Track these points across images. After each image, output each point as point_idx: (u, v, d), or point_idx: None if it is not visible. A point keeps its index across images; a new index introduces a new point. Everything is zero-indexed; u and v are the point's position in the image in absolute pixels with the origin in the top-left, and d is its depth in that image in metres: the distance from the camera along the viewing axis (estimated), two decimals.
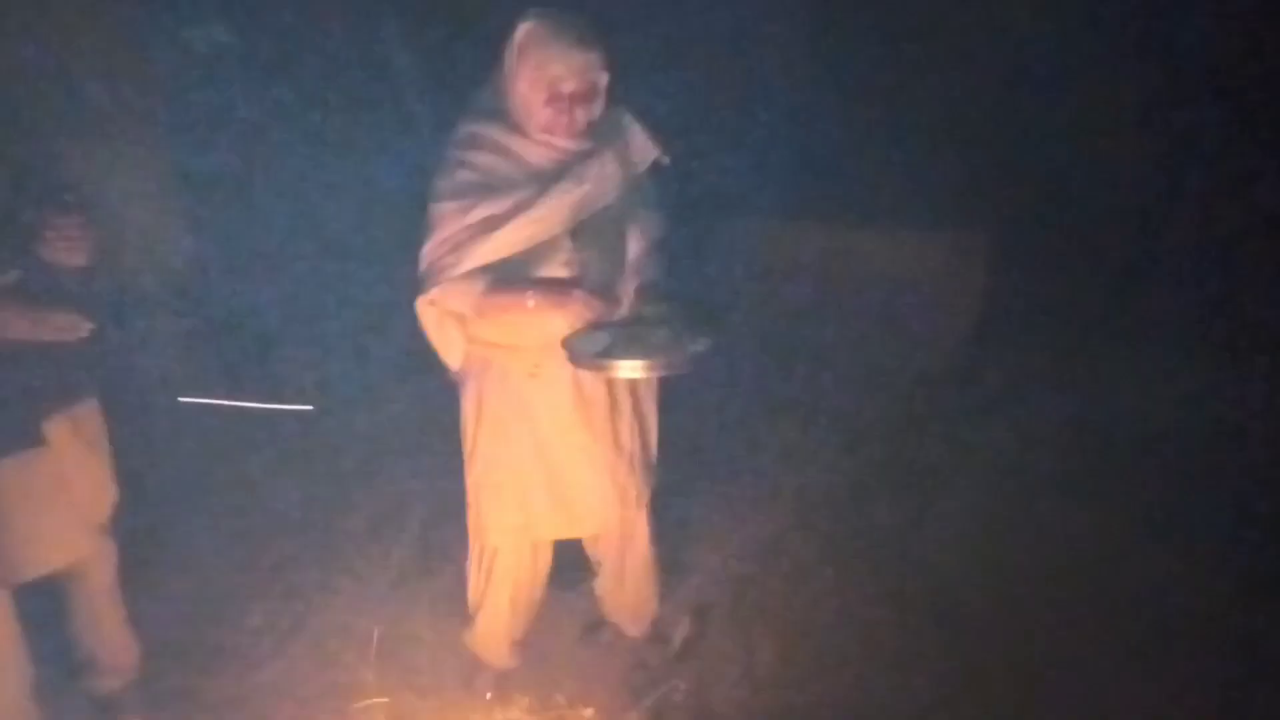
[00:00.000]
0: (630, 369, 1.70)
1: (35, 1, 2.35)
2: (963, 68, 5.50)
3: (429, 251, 1.77)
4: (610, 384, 1.94)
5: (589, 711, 1.97)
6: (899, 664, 2.32)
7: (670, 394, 2.14)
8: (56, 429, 1.70)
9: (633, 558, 2.22)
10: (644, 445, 2.09)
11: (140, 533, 2.21)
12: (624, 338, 1.71)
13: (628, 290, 1.90)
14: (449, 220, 1.73)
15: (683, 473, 3.40)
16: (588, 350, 1.71)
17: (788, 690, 2.23)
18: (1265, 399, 3.74)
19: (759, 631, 2.47)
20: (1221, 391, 3.90)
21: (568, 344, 1.73)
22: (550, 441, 1.92)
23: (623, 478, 2.03)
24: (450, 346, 1.90)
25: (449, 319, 1.85)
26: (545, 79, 1.68)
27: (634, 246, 1.90)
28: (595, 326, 1.75)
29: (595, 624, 2.42)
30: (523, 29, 1.70)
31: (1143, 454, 3.47)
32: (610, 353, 1.69)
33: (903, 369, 4.45)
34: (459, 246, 1.72)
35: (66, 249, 1.60)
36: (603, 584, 2.27)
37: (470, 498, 2.01)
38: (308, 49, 4.17)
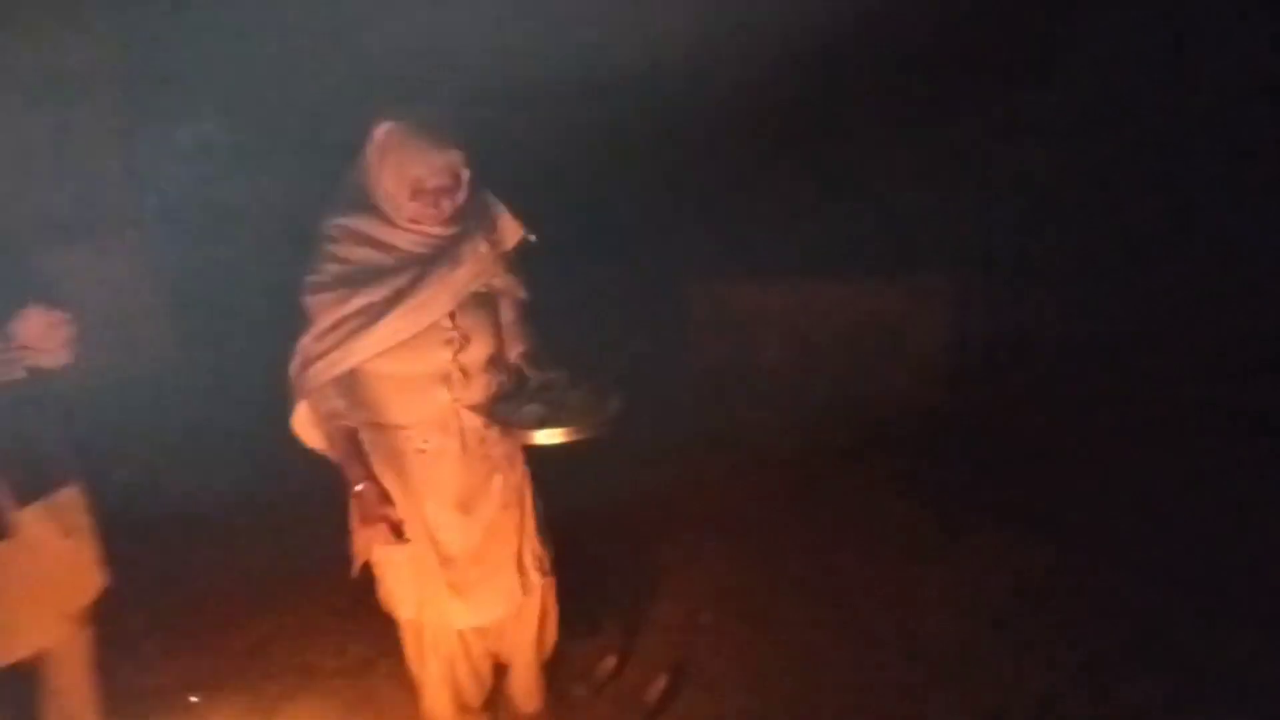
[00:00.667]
0: (554, 435, 1.74)
1: None
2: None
3: (308, 345, 1.77)
4: (490, 461, 1.95)
5: None
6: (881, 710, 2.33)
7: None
8: (31, 519, 1.73)
9: (522, 649, 2.22)
10: (534, 512, 2.11)
11: None
12: (542, 404, 1.76)
13: (510, 359, 1.98)
14: (328, 311, 1.75)
15: (644, 527, 3.46)
16: (509, 415, 1.75)
17: None
18: None
19: (731, 683, 2.49)
20: None
21: (491, 410, 1.78)
22: (436, 528, 1.94)
23: (516, 548, 2.05)
24: (313, 434, 1.92)
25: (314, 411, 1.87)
26: (408, 178, 1.71)
27: (507, 314, 1.99)
28: (507, 396, 1.80)
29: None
30: (382, 130, 1.72)
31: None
32: (532, 420, 1.74)
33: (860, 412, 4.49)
34: (341, 342, 1.74)
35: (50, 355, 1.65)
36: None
37: (377, 572, 2.02)
38: None
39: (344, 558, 3.12)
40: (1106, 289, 5.42)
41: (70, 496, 1.85)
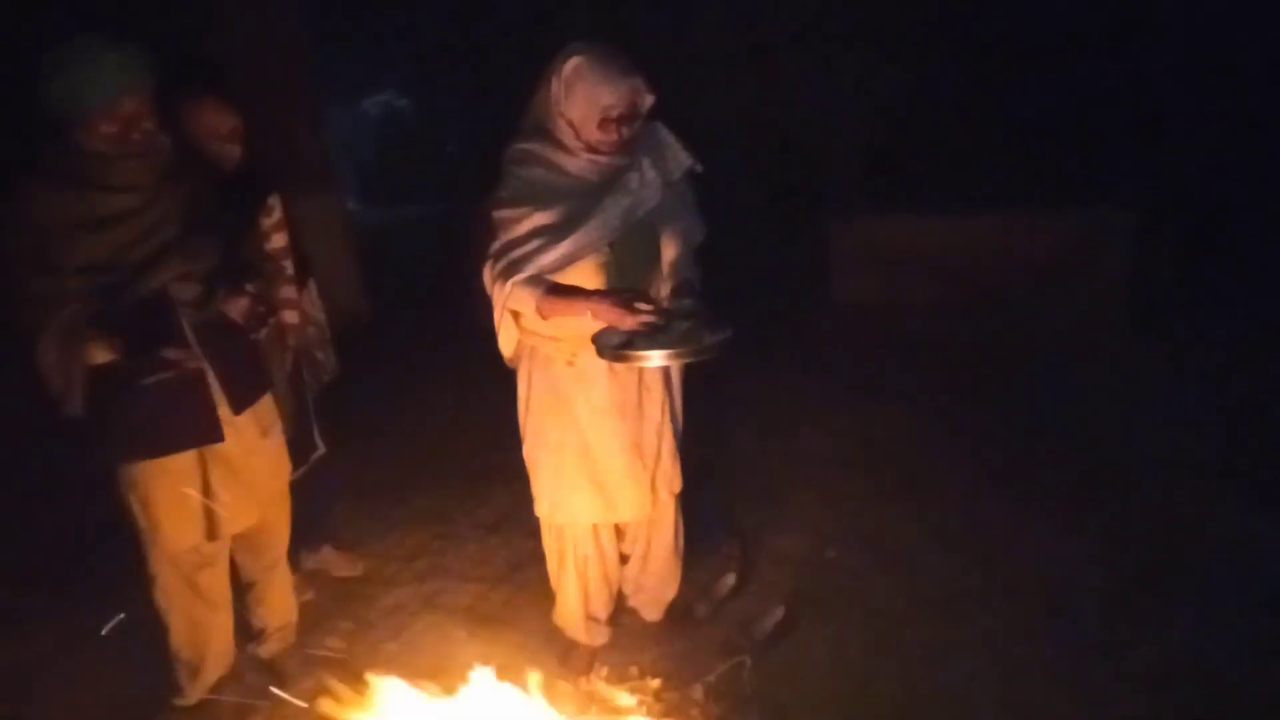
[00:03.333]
0: (650, 359, 1.80)
1: None
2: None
3: (496, 253, 1.97)
4: (641, 377, 2.08)
5: (657, 682, 2.06)
6: (1001, 664, 2.22)
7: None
8: (241, 423, 2.05)
9: (658, 545, 2.32)
10: (674, 437, 2.21)
11: None
12: (647, 331, 1.81)
13: (663, 290, 2.02)
14: (508, 226, 1.94)
15: (777, 462, 3.45)
16: (611, 343, 1.83)
17: (858, 681, 2.22)
18: None
19: (847, 623, 2.45)
20: None
21: (595, 338, 1.86)
22: (586, 428, 2.08)
23: (652, 467, 2.16)
24: (506, 336, 2.11)
25: (507, 314, 2.04)
26: (597, 108, 1.84)
27: (669, 250, 2.03)
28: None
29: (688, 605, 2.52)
30: (571, 64, 1.85)
31: None
32: (632, 344, 1.80)
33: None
34: (527, 255, 1.92)
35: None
36: (628, 570, 2.38)
37: (529, 471, 2.20)
38: None
39: (492, 474, 3.40)
40: None
41: (265, 403, 2.15)
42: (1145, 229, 4.62)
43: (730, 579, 2.64)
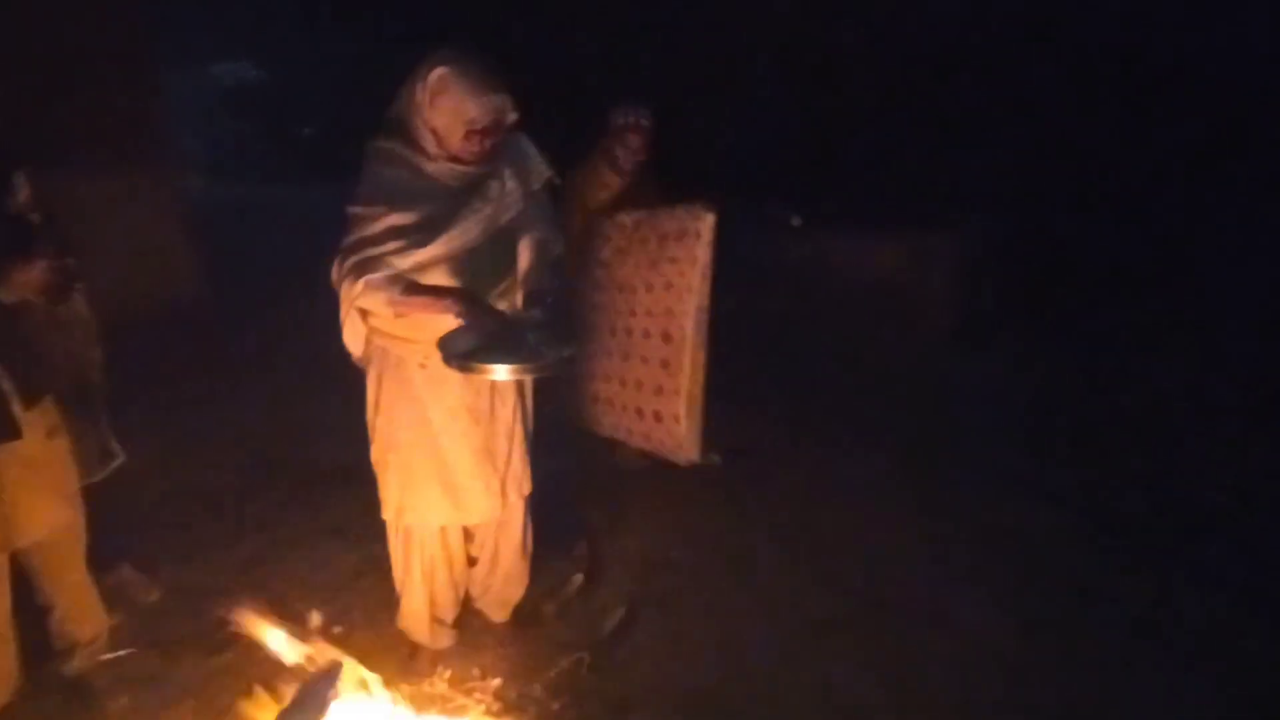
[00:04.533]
0: (493, 372, 1.81)
1: None
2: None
3: (348, 248, 1.91)
4: (489, 383, 2.09)
5: (497, 681, 2.10)
6: (841, 662, 2.37)
7: None
8: (29, 418, 1.90)
9: (506, 547, 2.36)
10: (525, 440, 2.25)
11: None
12: (494, 341, 1.83)
13: (517, 299, 2.06)
14: (362, 223, 1.90)
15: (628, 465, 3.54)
16: (456, 350, 1.83)
17: (694, 673, 2.32)
18: None
19: (687, 619, 2.57)
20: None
21: (441, 343, 1.86)
22: (438, 431, 2.08)
23: (502, 470, 2.19)
24: (353, 334, 2.08)
25: (354, 311, 2.01)
26: (462, 120, 1.84)
27: (525, 260, 2.06)
28: (470, 329, 1.88)
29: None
30: (436, 74, 1.83)
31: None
32: (478, 355, 1.81)
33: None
34: (381, 255, 1.88)
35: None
36: (476, 572, 2.41)
37: (377, 473, 2.18)
38: None
39: (337, 477, 3.30)
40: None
41: (49, 403, 1.99)
42: (972, 250, 5.07)
43: (578, 579, 2.70)
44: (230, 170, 13.20)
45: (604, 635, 2.47)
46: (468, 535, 2.34)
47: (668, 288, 2.86)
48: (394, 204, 1.89)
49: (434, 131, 1.88)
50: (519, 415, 2.22)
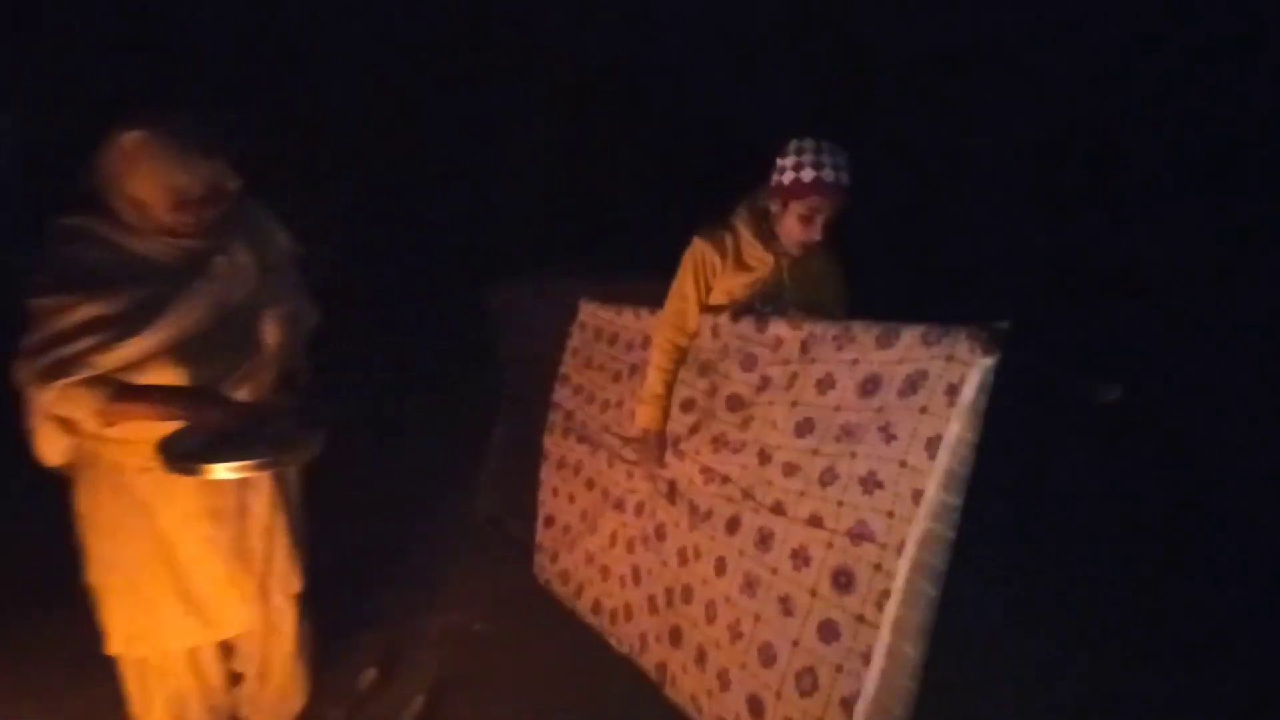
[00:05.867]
0: (214, 471, 1.59)
1: None
2: None
3: (34, 348, 1.59)
4: (234, 481, 1.83)
5: None
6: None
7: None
8: None
9: (277, 656, 2.11)
10: (289, 533, 2.02)
11: None
12: (224, 436, 1.62)
13: (264, 381, 1.84)
14: (50, 317, 1.58)
15: (423, 539, 3.35)
16: (178, 451, 1.59)
17: None
18: None
19: (494, 695, 2.41)
20: None
21: (161, 444, 1.61)
22: (174, 541, 1.81)
23: (260, 571, 1.95)
24: (48, 444, 1.75)
25: (48, 419, 1.70)
26: (169, 190, 1.60)
27: (271, 338, 1.84)
28: (196, 426, 1.65)
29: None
30: (131, 138, 1.58)
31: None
32: (203, 455, 1.59)
33: None
34: (79, 354, 1.57)
35: None
36: (244, 690, 2.13)
37: (97, 601, 1.84)
38: None
39: (73, 604, 2.81)
40: None
41: None
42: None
43: (371, 674, 2.46)
44: None
45: None
46: (226, 651, 2.05)
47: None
48: (90, 292, 1.59)
49: (136, 203, 1.62)
50: (278, 506, 1.98)
